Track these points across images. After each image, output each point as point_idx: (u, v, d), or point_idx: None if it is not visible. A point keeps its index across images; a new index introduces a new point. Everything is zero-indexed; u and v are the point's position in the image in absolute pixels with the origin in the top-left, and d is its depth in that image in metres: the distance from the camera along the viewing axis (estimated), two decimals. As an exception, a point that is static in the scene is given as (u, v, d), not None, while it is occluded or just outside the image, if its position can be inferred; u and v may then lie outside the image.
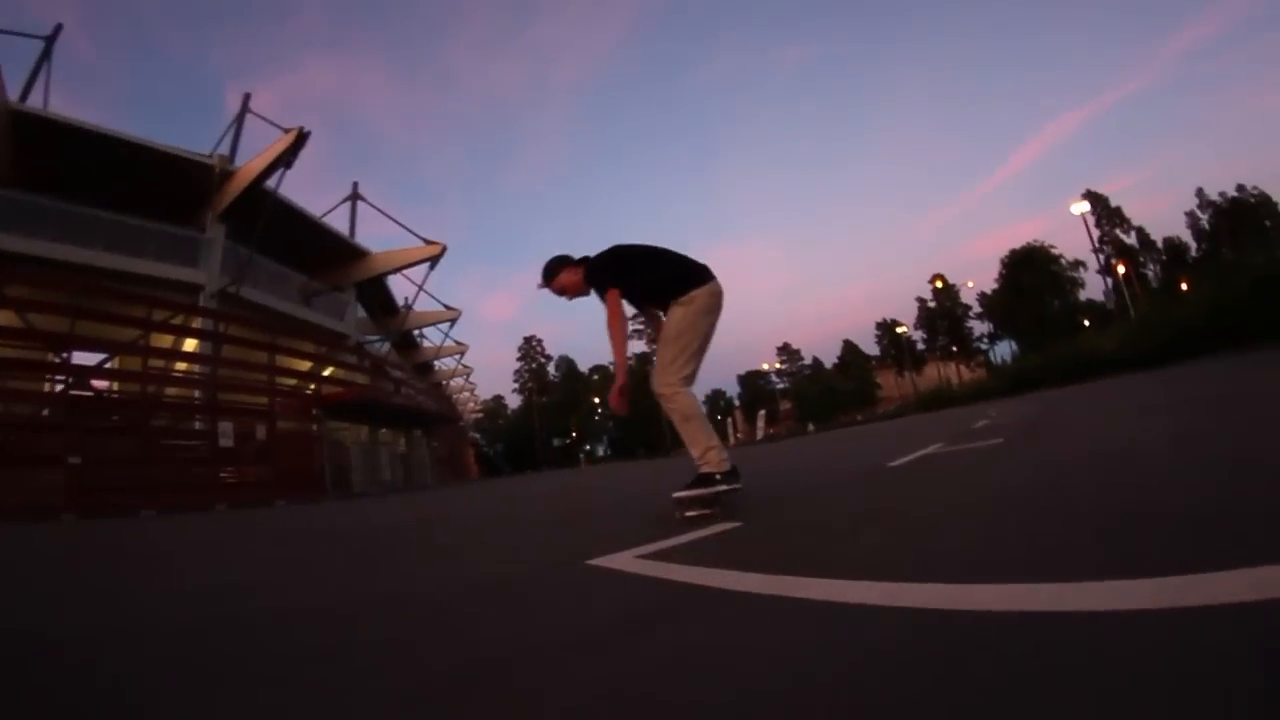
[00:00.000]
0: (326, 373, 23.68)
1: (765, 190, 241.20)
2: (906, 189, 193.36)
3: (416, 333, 43.83)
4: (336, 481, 18.88)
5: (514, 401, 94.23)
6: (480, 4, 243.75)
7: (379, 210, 31.64)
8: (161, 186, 21.35)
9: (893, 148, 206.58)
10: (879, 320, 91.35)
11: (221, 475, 16.37)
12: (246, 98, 24.48)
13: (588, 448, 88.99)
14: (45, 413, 16.05)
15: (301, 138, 21.09)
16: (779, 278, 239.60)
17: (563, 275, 3.78)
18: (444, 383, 55.50)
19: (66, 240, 18.77)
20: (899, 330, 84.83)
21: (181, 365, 19.78)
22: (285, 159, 21.19)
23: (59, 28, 23.79)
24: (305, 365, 22.44)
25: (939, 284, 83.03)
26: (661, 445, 69.76)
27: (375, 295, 32.92)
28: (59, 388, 16.22)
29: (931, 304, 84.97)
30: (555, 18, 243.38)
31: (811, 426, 67.54)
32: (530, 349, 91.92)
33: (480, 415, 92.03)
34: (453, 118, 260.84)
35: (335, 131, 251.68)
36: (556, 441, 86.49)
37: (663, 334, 3.51)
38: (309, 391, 20.20)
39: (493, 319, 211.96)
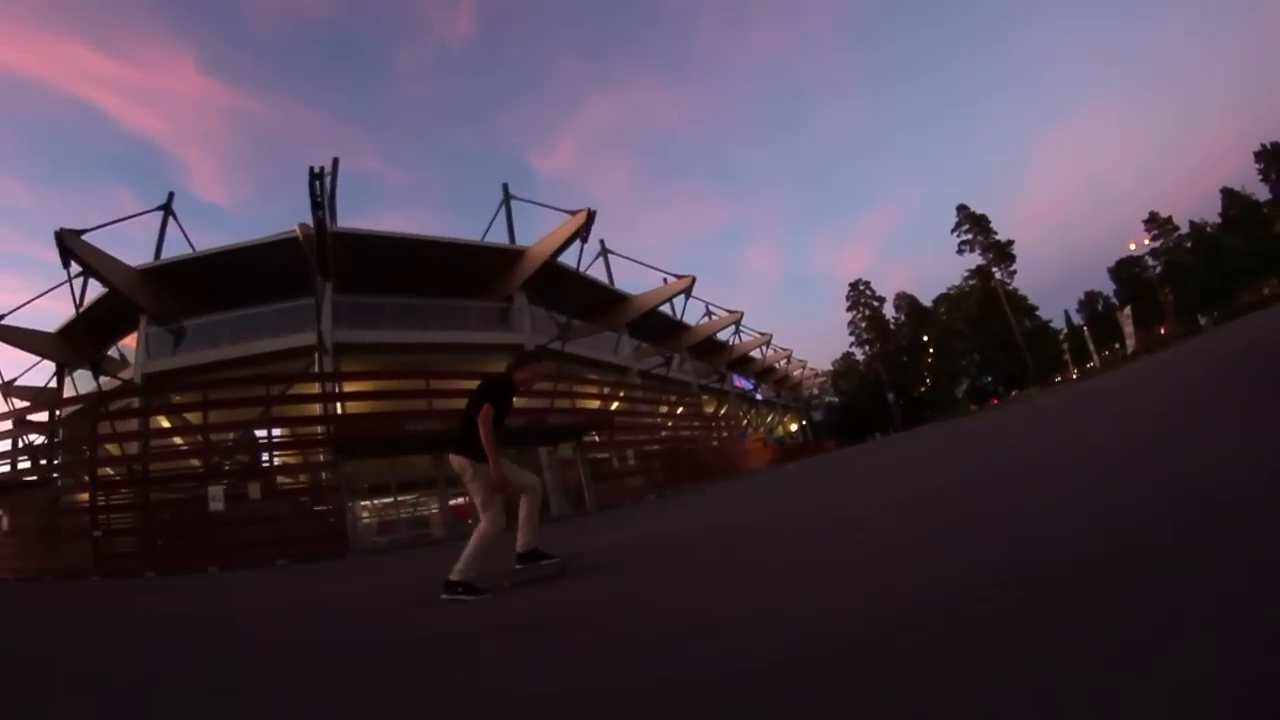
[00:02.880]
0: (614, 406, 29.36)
1: (1087, 46, 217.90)
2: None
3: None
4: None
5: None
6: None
7: (627, 259, 39.08)
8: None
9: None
10: (1259, 147, 73.75)
11: (218, 538, 17.02)
12: (506, 187, 32.16)
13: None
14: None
15: (590, 217, 27.46)
16: (1128, 145, 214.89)
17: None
18: (775, 368, 64.09)
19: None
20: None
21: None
22: (584, 237, 27.84)
23: (336, 161, 30.50)
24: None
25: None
26: (1024, 378, 67.35)
27: (651, 327, 39.62)
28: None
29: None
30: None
31: (1203, 320, 55.48)
32: (859, 294, 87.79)
33: (822, 382, 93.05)
34: (739, 96, 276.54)
35: (640, 150, 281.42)
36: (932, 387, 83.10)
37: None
38: (318, 432, 20.29)
39: (851, 274, 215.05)
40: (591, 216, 27.28)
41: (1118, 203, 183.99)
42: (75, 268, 24.18)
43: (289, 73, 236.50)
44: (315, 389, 22.37)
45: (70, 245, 23.53)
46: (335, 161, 30.46)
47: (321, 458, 19.89)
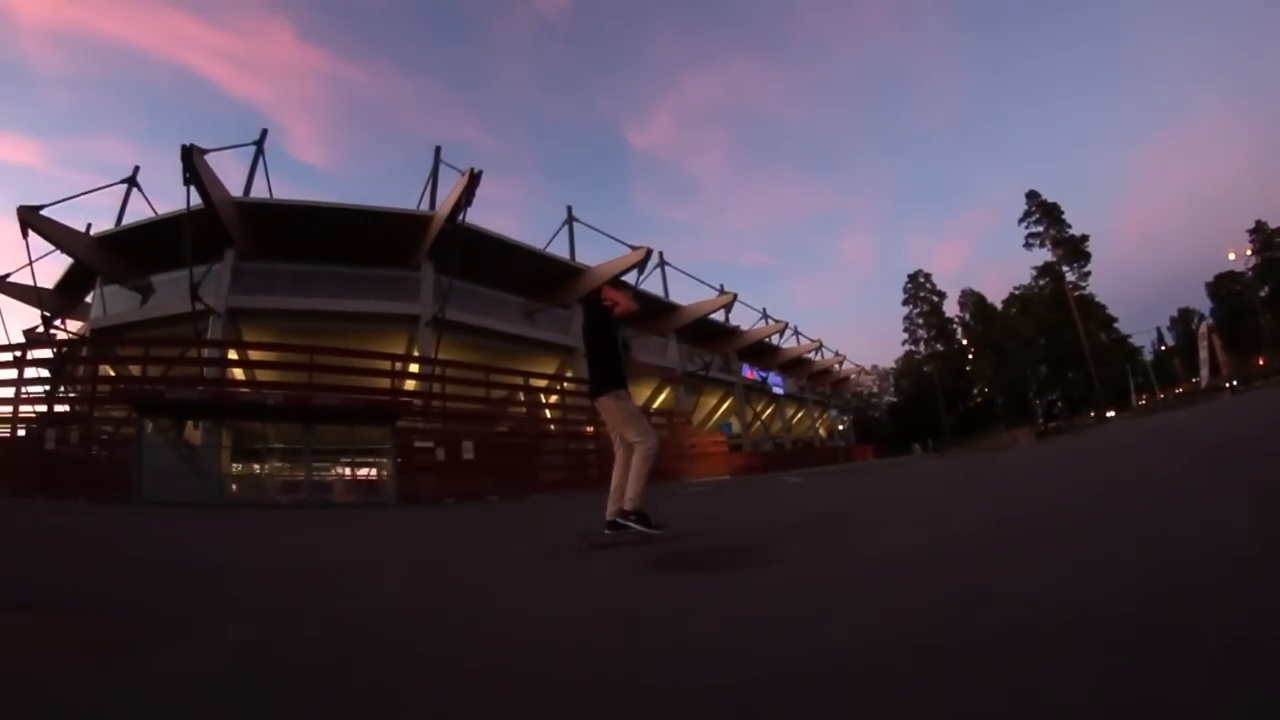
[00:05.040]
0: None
1: (1200, 50, 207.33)
2: None
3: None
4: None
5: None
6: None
7: (591, 228, 37.75)
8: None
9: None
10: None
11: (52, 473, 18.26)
12: (438, 150, 31.18)
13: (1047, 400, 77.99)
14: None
15: (475, 178, 26.55)
16: (1239, 155, 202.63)
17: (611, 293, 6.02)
18: (809, 360, 63.66)
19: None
20: None
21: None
22: (467, 199, 26.75)
23: (265, 132, 32.67)
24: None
25: None
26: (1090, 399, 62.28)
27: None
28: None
29: None
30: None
31: None
32: (918, 286, 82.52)
33: (878, 379, 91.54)
34: (840, 80, 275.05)
35: (737, 129, 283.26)
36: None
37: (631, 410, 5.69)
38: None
39: (944, 271, 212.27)
40: (476, 177, 26.41)
41: (1227, 216, 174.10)
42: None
43: (386, 41, 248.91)
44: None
45: (29, 221, 26.64)
46: (264, 133, 32.77)
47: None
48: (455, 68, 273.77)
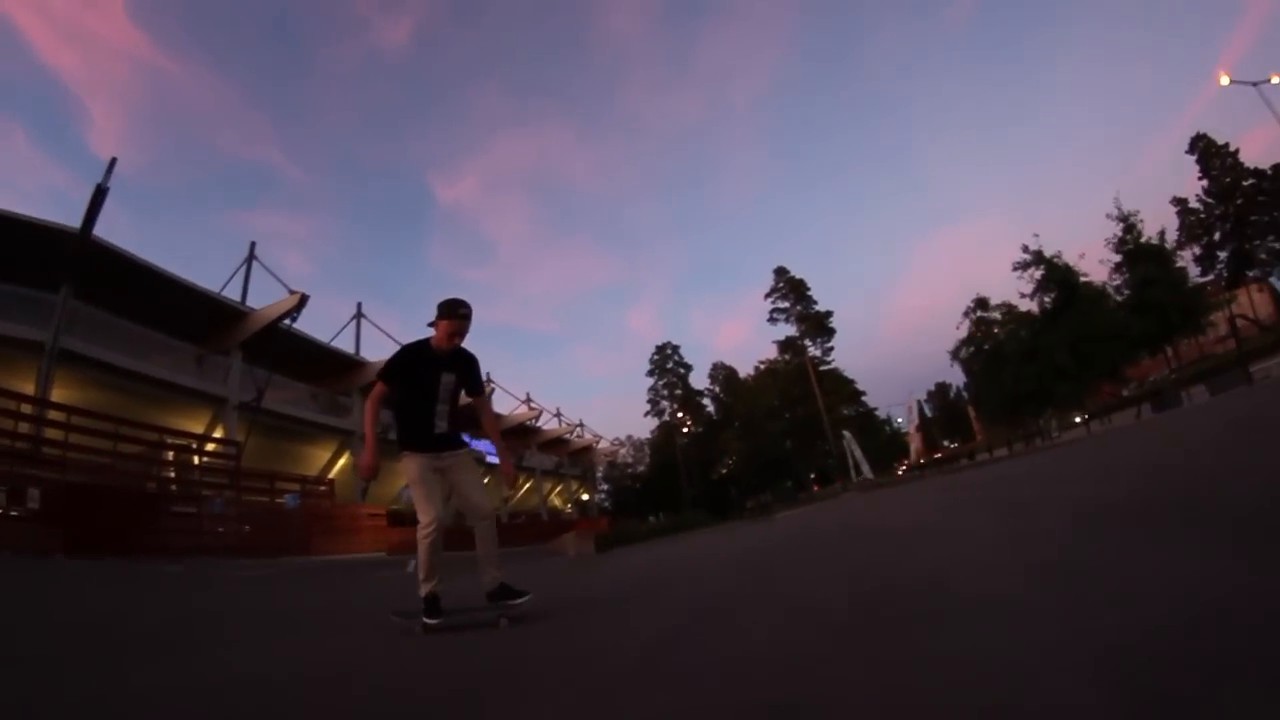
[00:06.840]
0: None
1: (975, 162, 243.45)
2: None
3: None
4: None
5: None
6: (641, 46, 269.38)
7: (267, 269, 37.21)
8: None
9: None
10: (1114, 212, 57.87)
11: None
12: (112, 162, 29.13)
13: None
14: None
15: (100, 193, 25.87)
16: (1003, 251, 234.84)
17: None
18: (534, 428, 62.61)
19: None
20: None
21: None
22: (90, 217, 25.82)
23: None
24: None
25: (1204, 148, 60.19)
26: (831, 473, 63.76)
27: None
28: None
29: (1196, 203, 62.59)
30: (717, 39, 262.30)
31: (1060, 427, 45.11)
32: (665, 358, 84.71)
33: (625, 450, 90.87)
34: (646, 159, 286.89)
35: (542, 195, 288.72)
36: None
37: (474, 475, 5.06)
38: None
39: (725, 347, 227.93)
40: (102, 192, 25.89)
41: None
42: None
43: (214, 41, 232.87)
44: None
45: None
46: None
47: None
48: (274, 84, 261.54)
